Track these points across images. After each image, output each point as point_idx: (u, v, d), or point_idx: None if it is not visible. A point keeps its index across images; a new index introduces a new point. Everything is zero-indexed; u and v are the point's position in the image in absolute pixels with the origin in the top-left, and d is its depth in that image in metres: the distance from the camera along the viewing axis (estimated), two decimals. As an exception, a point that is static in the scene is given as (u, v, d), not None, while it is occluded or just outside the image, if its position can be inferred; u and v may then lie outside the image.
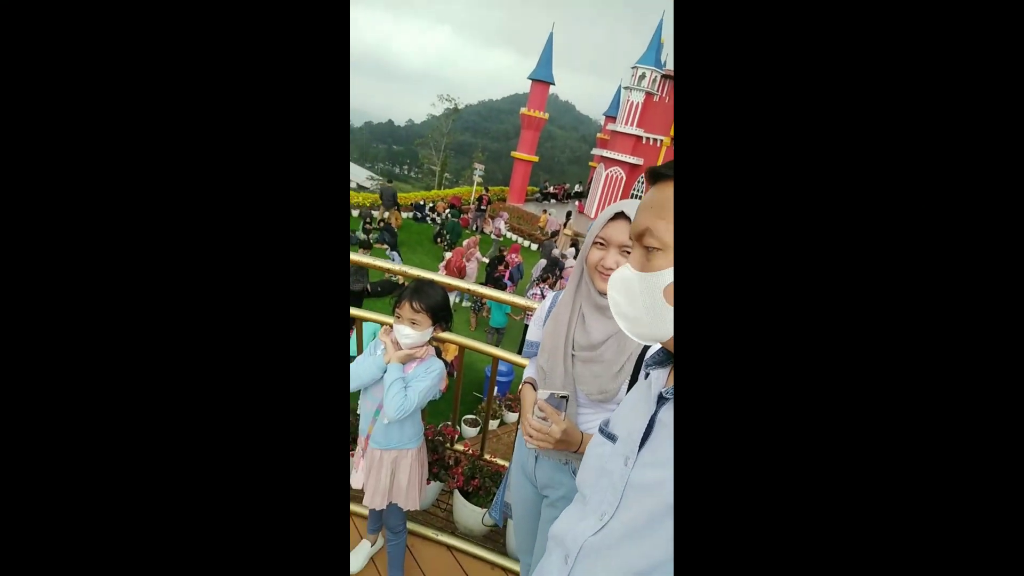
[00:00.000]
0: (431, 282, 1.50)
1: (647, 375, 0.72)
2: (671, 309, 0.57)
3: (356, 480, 1.56)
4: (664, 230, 0.57)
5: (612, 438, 0.71)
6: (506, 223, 14.34)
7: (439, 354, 1.55)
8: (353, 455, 1.60)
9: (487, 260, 8.71)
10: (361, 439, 1.56)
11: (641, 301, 0.58)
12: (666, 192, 0.58)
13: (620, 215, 1.02)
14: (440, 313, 1.45)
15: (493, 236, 12.96)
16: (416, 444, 1.57)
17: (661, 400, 0.65)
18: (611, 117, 20.91)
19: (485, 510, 1.91)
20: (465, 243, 8.17)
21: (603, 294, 1.05)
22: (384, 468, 1.52)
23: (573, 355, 1.11)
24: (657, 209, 0.57)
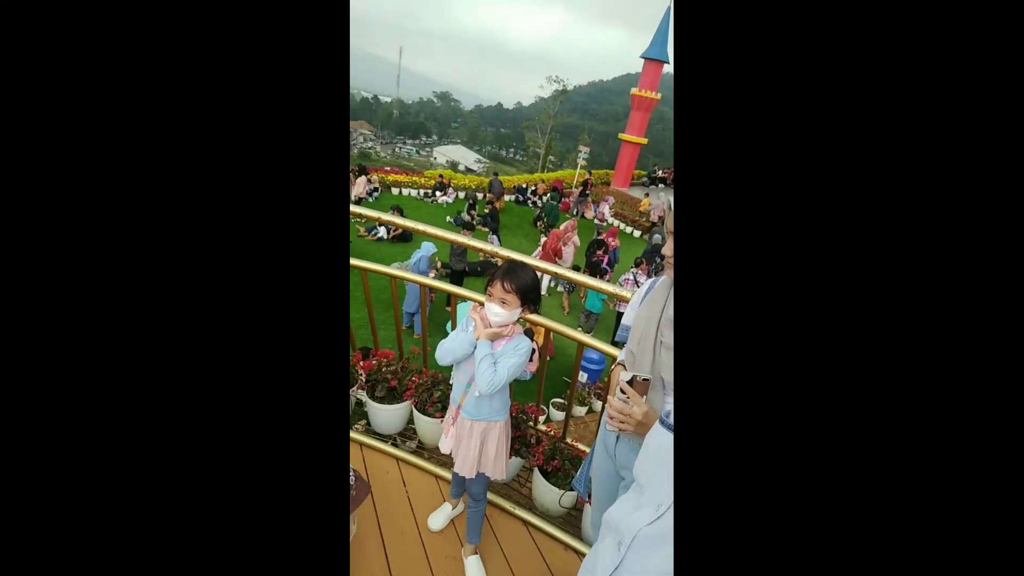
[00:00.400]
0: (523, 264, 1.54)
1: None
2: None
3: (444, 445, 1.66)
4: None
5: (672, 428, 0.70)
6: (611, 208, 13.99)
7: (530, 336, 1.58)
8: (443, 421, 1.71)
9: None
10: (452, 408, 1.64)
11: None
12: None
13: None
14: (529, 295, 1.49)
15: (597, 221, 12.73)
16: (504, 416, 1.63)
17: None
18: (732, 96, 19.25)
19: (563, 491, 1.94)
20: (563, 226, 8.14)
21: None
22: (474, 438, 1.60)
23: (662, 341, 1.10)
24: None
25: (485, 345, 1.51)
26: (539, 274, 1.61)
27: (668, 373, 1.08)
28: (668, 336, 1.09)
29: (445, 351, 1.57)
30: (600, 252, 7.80)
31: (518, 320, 1.54)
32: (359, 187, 8.83)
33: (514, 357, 1.50)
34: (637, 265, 6.91)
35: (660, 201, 14.10)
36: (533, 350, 1.75)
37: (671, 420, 0.72)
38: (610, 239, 8.69)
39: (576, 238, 8.10)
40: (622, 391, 1.07)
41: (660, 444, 0.71)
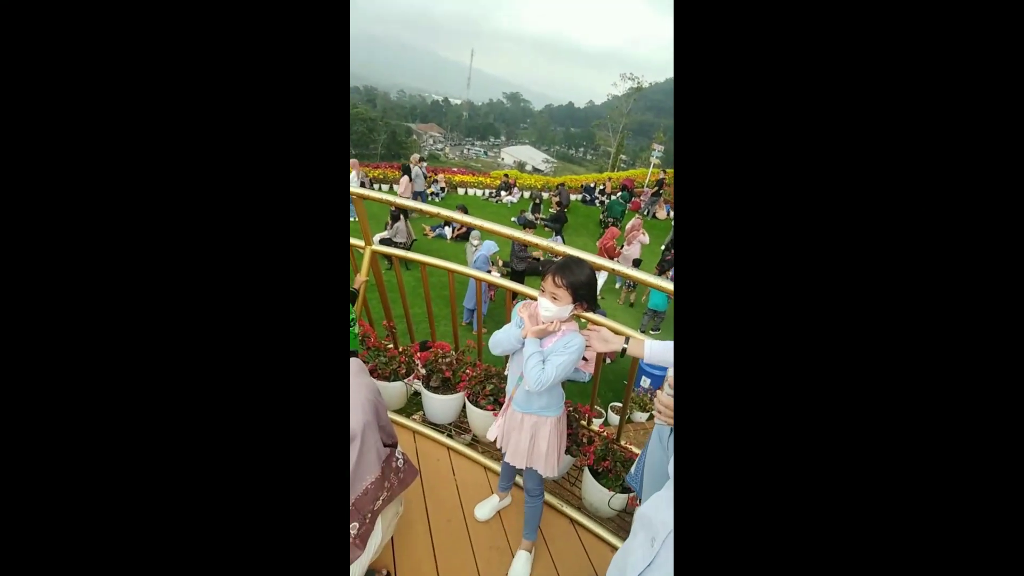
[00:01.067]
0: (579, 260, 1.49)
1: None
2: None
3: (491, 432, 1.67)
4: None
5: None
6: None
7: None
8: (496, 414, 1.72)
9: (663, 246, 8.40)
10: (506, 399, 1.64)
11: None
12: None
13: None
14: (581, 291, 1.44)
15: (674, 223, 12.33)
16: (556, 413, 1.61)
17: None
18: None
19: (613, 493, 1.89)
20: (628, 226, 7.99)
21: None
22: (524, 431, 1.59)
23: None
24: None
25: (533, 343, 1.48)
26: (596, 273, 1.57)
27: None
28: None
29: (495, 342, 1.57)
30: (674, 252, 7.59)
31: (572, 317, 1.50)
32: (402, 187, 9.10)
33: (564, 355, 1.46)
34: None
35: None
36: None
37: None
38: (679, 240, 8.41)
39: (644, 236, 7.94)
40: (671, 386, 1.09)
41: None
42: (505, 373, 1.70)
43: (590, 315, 1.72)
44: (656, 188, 14.05)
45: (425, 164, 10.60)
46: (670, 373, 1.10)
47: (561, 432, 1.66)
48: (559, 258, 1.54)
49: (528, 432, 1.59)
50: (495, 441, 1.67)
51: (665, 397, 1.09)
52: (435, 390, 2.30)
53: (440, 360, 2.36)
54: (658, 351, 1.36)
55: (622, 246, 8.00)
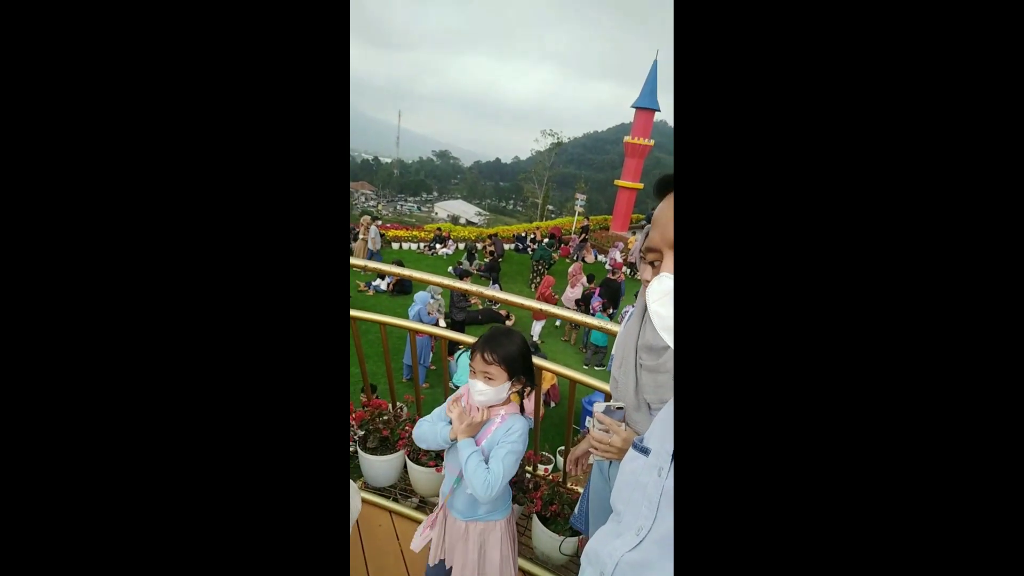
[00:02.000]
0: (508, 330, 1.33)
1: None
2: None
3: (418, 544, 1.39)
4: None
5: (645, 451, 0.69)
6: (622, 253, 14.16)
7: (523, 410, 1.39)
8: (439, 470, 1.49)
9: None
10: (440, 500, 1.37)
11: None
12: None
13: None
14: (516, 364, 1.26)
15: (608, 266, 12.92)
16: (505, 514, 1.39)
17: None
18: (721, 139, 19.93)
19: (563, 537, 1.86)
20: (570, 270, 8.46)
21: None
22: (471, 542, 1.34)
23: (642, 364, 1.12)
24: None
25: (467, 444, 1.24)
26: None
27: (650, 395, 1.10)
28: (647, 359, 1.11)
29: (419, 435, 1.33)
30: (600, 288, 8.21)
31: (509, 398, 1.31)
32: (370, 243, 8.93)
33: (507, 445, 1.25)
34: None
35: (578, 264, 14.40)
36: (546, 401, 1.65)
37: (644, 443, 0.71)
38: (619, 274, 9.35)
39: (584, 279, 8.45)
40: (599, 421, 1.09)
41: (635, 468, 0.70)
42: (440, 472, 1.48)
43: (546, 363, 1.74)
44: (582, 235, 14.75)
45: (379, 222, 10.50)
46: (597, 407, 1.10)
47: (513, 534, 1.44)
48: (497, 307, 1.53)
49: (476, 543, 1.34)
50: (426, 554, 1.40)
51: (597, 432, 1.09)
52: (373, 451, 2.19)
53: (377, 419, 2.27)
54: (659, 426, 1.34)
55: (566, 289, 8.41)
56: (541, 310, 1.91)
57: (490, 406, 1.28)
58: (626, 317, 1.26)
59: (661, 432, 0.68)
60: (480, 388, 1.24)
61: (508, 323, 7.86)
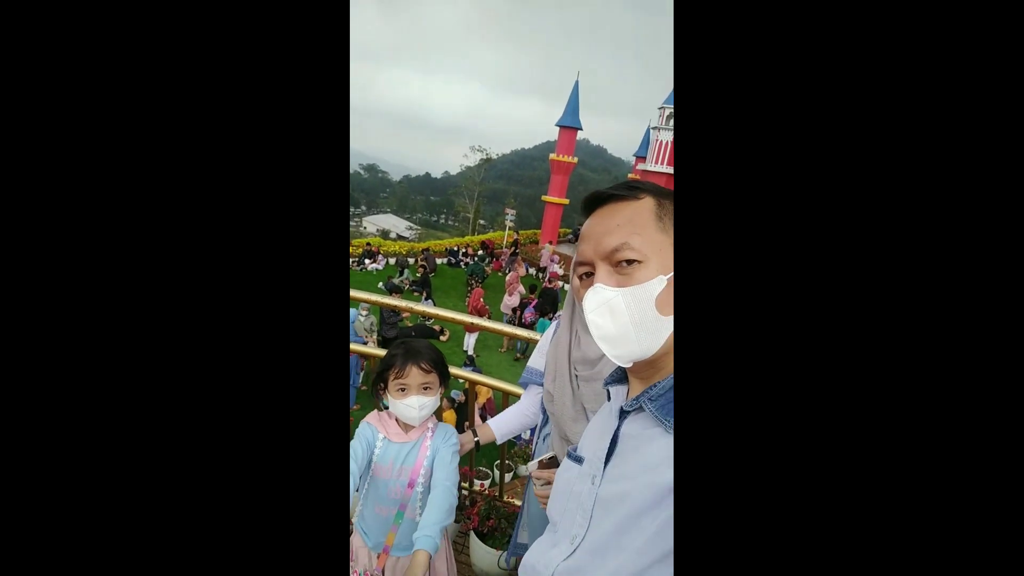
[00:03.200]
0: (416, 339, 1.31)
1: (608, 395, 0.72)
2: (663, 319, 0.57)
3: None
4: (643, 243, 0.58)
5: (579, 460, 0.71)
6: (558, 263, 14.47)
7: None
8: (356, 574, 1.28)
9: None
10: (372, 556, 1.24)
11: (628, 316, 0.58)
12: (625, 210, 0.61)
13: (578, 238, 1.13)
14: (444, 367, 1.25)
15: (547, 275, 13.18)
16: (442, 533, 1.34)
17: (623, 414, 0.65)
18: (641, 158, 21.12)
19: (502, 552, 1.86)
20: (508, 279, 8.92)
21: None
22: None
23: (576, 375, 1.15)
24: (628, 225, 0.59)
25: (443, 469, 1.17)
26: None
27: (590, 402, 1.13)
28: (583, 370, 1.14)
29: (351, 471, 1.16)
30: (532, 295, 8.81)
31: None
32: None
33: (450, 447, 1.23)
34: (544, 314, 7.73)
35: (547, 251, 14.97)
36: (483, 415, 1.62)
37: (577, 452, 0.73)
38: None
39: (521, 287, 8.89)
40: (538, 478, 1.07)
41: (569, 477, 0.72)
42: (356, 520, 1.30)
43: (483, 378, 1.73)
44: (513, 248, 14.99)
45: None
46: (531, 467, 1.09)
47: (451, 552, 1.40)
48: (430, 323, 1.49)
49: None
50: None
51: (540, 490, 1.05)
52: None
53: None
54: (504, 426, 1.38)
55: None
56: (474, 323, 1.93)
57: (427, 419, 1.24)
58: (552, 331, 1.29)
59: (593, 440, 0.70)
60: (420, 403, 1.18)
61: (443, 338, 7.77)
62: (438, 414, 1.41)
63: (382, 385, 1.21)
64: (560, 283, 10.19)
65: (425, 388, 1.19)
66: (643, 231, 0.59)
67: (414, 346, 1.22)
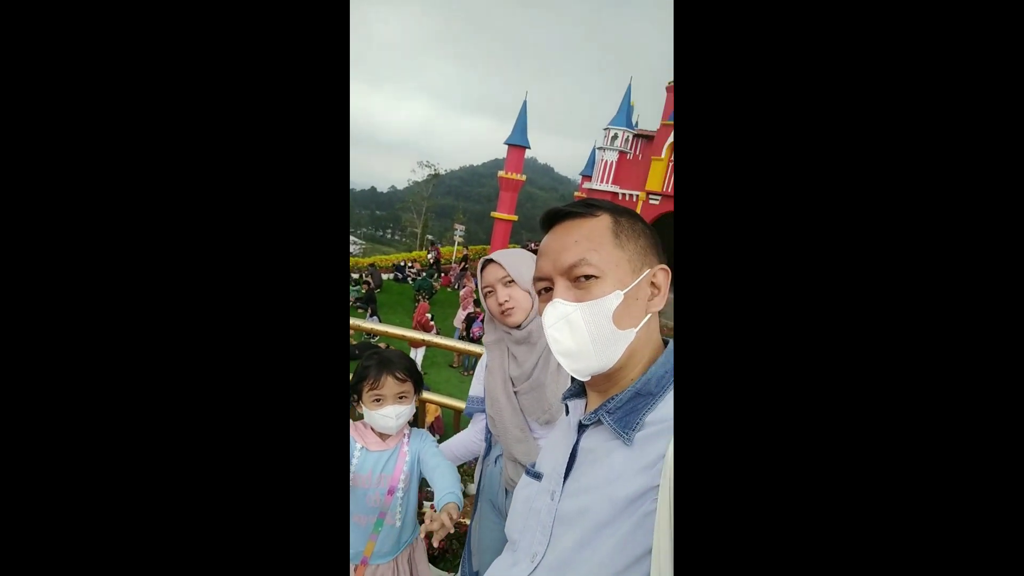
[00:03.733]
0: (386, 349, 1.35)
1: (567, 409, 0.72)
2: (620, 332, 0.59)
3: None
4: (600, 259, 0.59)
5: (538, 476, 0.71)
6: None
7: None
8: None
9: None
10: (351, 568, 1.22)
11: (586, 330, 0.59)
12: (583, 227, 0.62)
13: (489, 262, 1.17)
14: (420, 376, 1.30)
15: None
16: (417, 529, 1.34)
17: (581, 428, 0.66)
18: (587, 176, 21.79)
19: (452, 574, 1.80)
20: (462, 293, 8.87)
21: (518, 327, 1.16)
22: (401, 571, 1.27)
23: (516, 391, 1.16)
24: (585, 242, 0.60)
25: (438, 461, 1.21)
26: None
27: (536, 413, 1.14)
28: (520, 384, 1.16)
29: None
30: (479, 310, 8.64)
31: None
32: None
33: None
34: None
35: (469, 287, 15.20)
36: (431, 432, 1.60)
37: (536, 468, 0.72)
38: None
39: (472, 300, 8.97)
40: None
41: (528, 494, 0.71)
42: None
43: (433, 396, 1.70)
44: (463, 264, 14.98)
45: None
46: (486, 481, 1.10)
47: (423, 547, 1.41)
48: (375, 340, 1.48)
49: (405, 570, 1.30)
50: None
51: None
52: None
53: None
54: (450, 456, 1.36)
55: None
56: (421, 339, 1.90)
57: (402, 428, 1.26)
58: (483, 360, 1.29)
59: (552, 455, 0.70)
60: (397, 412, 1.19)
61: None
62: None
63: (356, 396, 1.22)
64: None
65: (400, 397, 1.20)
66: (600, 247, 0.60)
67: (387, 356, 1.23)
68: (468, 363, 7.82)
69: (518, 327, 1.14)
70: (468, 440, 1.38)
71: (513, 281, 1.13)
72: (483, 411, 1.28)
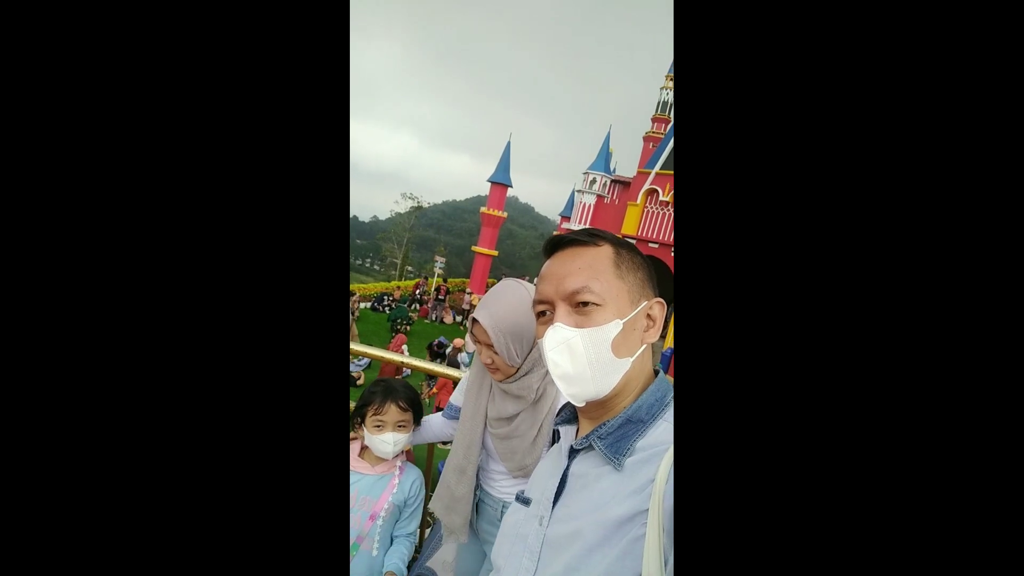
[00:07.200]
0: (389, 379, 1.38)
1: (557, 436, 0.74)
2: (617, 361, 0.60)
3: None
4: (602, 288, 0.61)
5: (527, 502, 0.71)
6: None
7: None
8: None
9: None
10: None
11: (585, 357, 0.60)
12: (586, 255, 0.64)
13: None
14: (420, 407, 1.33)
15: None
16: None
17: (572, 453, 0.67)
18: (566, 217, 22.20)
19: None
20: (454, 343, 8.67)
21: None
22: None
23: (491, 433, 1.15)
24: (588, 270, 0.63)
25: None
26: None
27: (508, 461, 1.13)
28: (497, 428, 1.13)
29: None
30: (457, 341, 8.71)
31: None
32: None
33: (417, 506, 1.31)
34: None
35: (468, 297, 15.19)
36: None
37: (525, 494, 0.73)
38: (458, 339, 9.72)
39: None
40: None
41: (516, 520, 0.71)
42: None
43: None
44: (436, 294, 14.90)
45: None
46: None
47: None
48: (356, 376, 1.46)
49: None
50: None
51: None
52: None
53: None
54: (435, 427, 1.36)
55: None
56: (402, 363, 1.90)
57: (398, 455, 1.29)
58: (467, 376, 1.28)
59: (542, 480, 0.71)
60: (395, 439, 1.24)
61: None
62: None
63: (359, 420, 1.27)
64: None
65: (400, 426, 1.26)
66: (602, 276, 0.62)
67: (392, 384, 1.29)
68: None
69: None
70: (447, 424, 1.35)
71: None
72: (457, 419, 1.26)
